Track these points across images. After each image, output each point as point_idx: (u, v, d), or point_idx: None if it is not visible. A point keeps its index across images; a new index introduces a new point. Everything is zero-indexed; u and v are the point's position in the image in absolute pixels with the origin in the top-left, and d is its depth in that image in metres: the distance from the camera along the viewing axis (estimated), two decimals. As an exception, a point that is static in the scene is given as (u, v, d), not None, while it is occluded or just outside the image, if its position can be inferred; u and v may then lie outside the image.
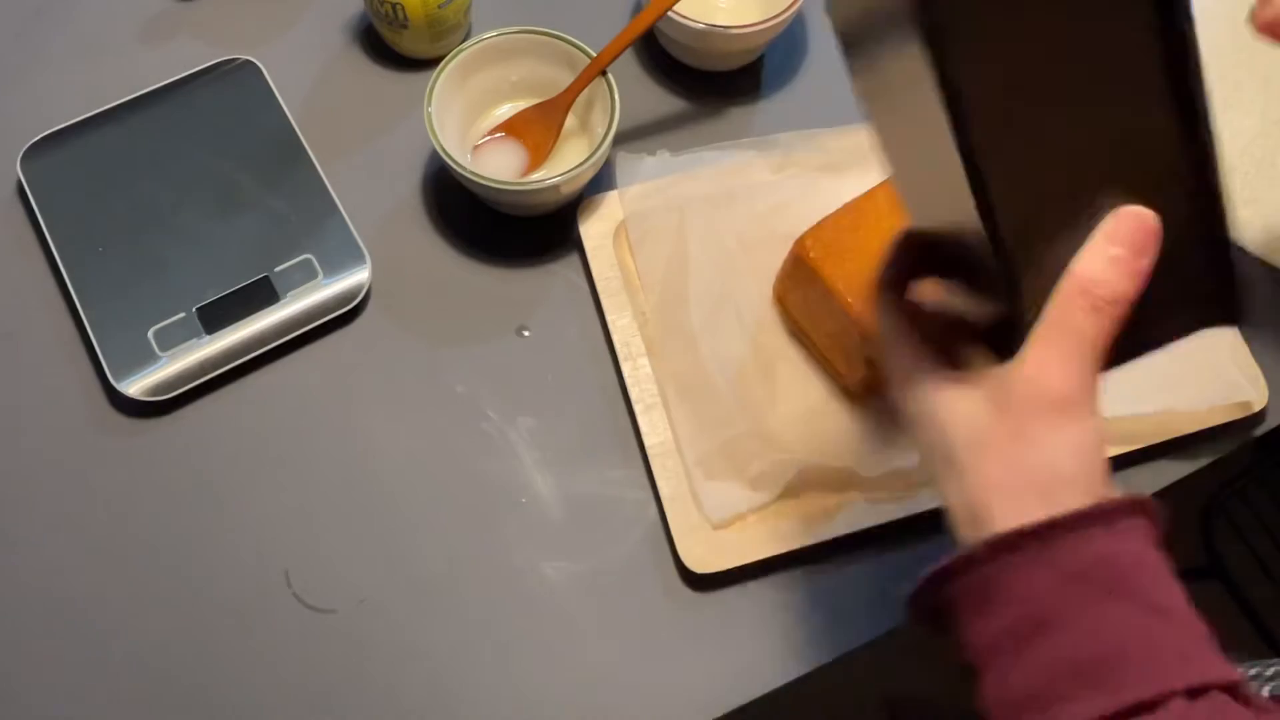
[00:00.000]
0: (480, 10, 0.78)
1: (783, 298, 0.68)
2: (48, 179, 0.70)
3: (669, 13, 0.70)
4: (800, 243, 0.63)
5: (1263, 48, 0.57)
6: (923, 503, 0.63)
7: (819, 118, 0.75)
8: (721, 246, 0.68)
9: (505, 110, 0.73)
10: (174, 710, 0.59)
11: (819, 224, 0.63)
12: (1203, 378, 0.67)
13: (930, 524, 0.64)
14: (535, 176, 0.70)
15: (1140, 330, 0.40)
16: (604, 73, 0.69)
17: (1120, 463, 0.66)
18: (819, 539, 0.62)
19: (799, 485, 0.63)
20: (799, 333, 0.67)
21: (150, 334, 0.66)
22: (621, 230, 0.70)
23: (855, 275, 0.60)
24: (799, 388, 0.66)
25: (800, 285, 0.64)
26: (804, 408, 0.66)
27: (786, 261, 0.65)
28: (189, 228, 0.69)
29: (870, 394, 0.65)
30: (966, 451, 0.42)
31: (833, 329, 0.63)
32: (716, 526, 0.62)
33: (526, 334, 0.69)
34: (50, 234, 0.68)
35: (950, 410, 0.42)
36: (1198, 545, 1.22)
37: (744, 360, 0.66)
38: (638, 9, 0.79)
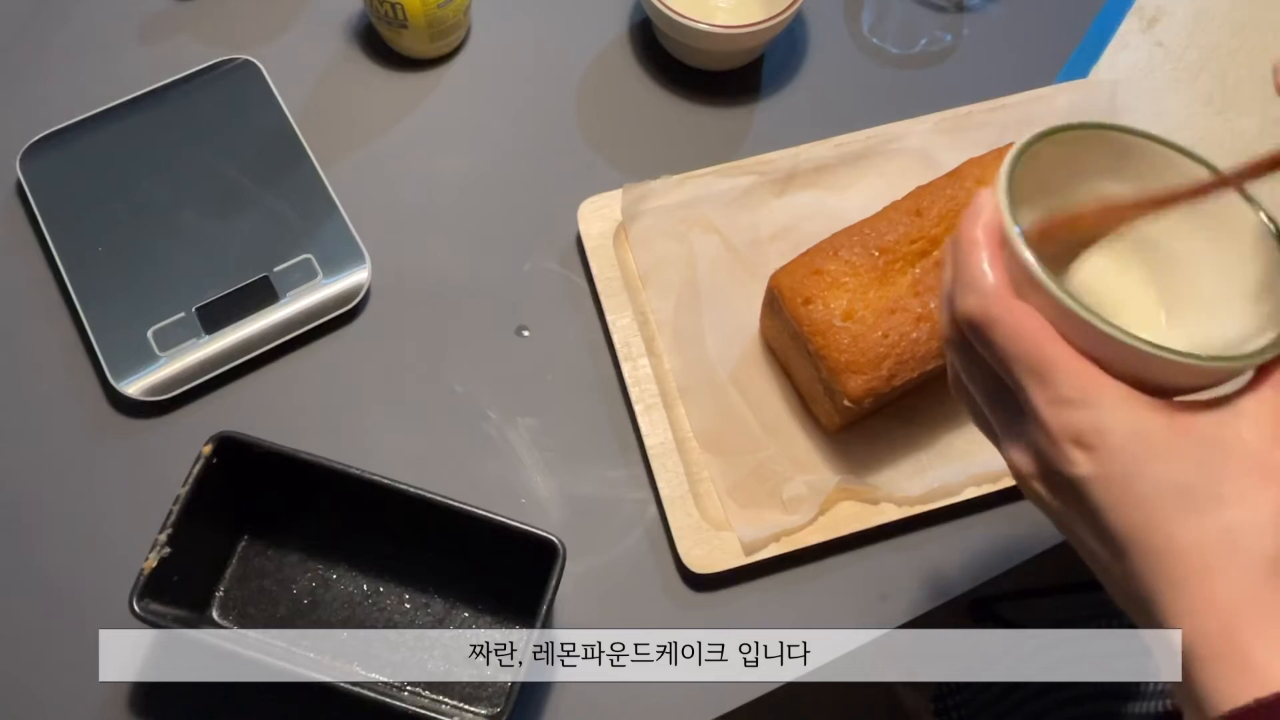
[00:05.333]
0: (480, 10, 0.78)
1: (766, 335, 0.67)
2: (47, 179, 0.70)
3: (669, 12, 0.70)
4: (774, 279, 0.62)
5: (1262, 47, 0.57)
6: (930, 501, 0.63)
7: (819, 118, 0.75)
8: (732, 276, 0.68)
9: None
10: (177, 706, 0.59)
11: (793, 261, 0.62)
12: None
13: (930, 524, 0.64)
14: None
15: None
16: None
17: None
18: (820, 539, 0.62)
19: (834, 500, 0.63)
20: (784, 368, 0.67)
21: (150, 334, 0.66)
22: (621, 230, 0.70)
23: (822, 314, 0.59)
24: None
25: (776, 322, 0.64)
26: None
27: (765, 296, 0.64)
28: (189, 228, 0.69)
29: (843, 428, 0.64)
30: (1179, 543, 0.33)
31: (809, 370, 0.62)
32: (749, 551, 0.61)
33: (526, 334, 0.69)
34: (50, 234, 0.68)
35: (1149, 471, 0.34)
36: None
37: (767, 387, 0.66)
38: (637, 9, 0.79)
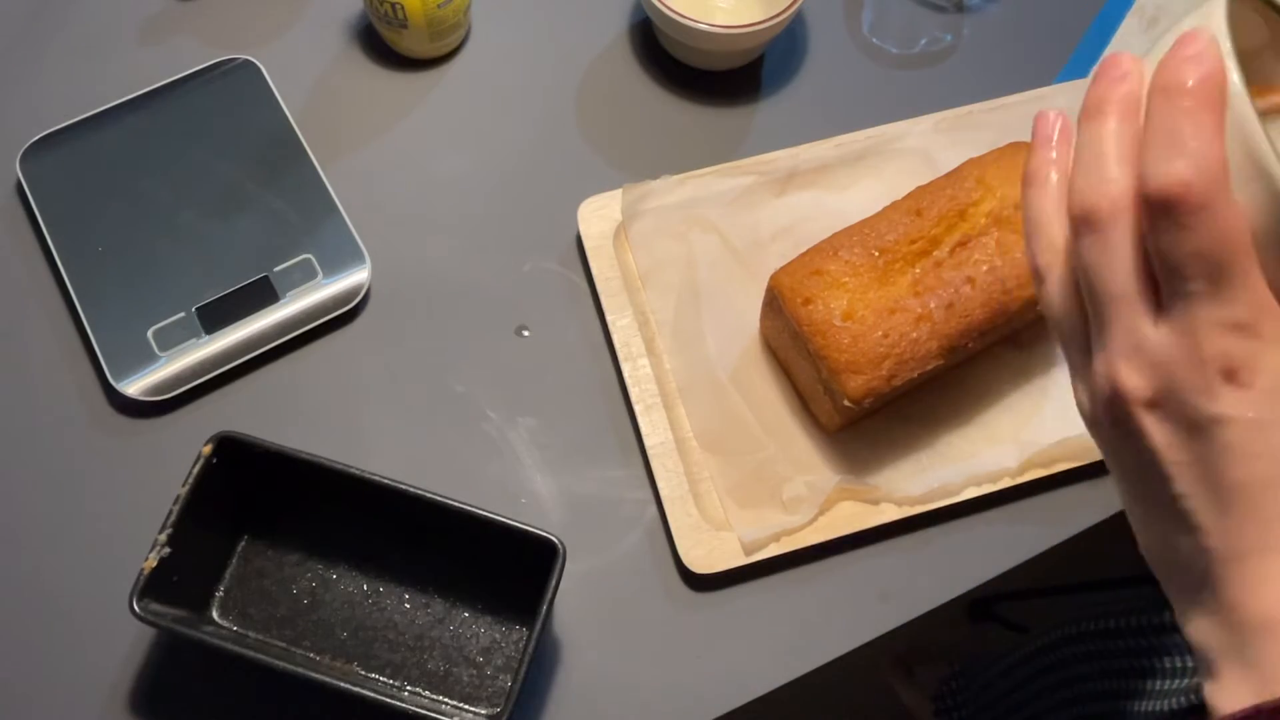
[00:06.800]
0: (480, 10, 0.78)
1: (766, 335, 0.67)
2: (47, 179, 0.70)
3: (669, 12, 0.70)
4: (774, 279, 0.62)
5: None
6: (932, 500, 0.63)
7: (819, 118, 0.75)
8: (732, 276, 0.68)
9: None
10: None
11: (793, 261, 0.62)
12: None
13: (930, 524, 0.64)
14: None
15: None
16: None
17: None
18: (820, 539, 0.62)
19: (834, 500, 0.63)
20: (784, 368, 0.67)
21: (150, 334, 0.66)
22: (621, 230, 0.70)
23: (822, 314, 0.59)
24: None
25: (776, 322, 0.64)
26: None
27: (765, 296, 0.64)
28: (189, 228, 0.69)
29: (843, 428, 0.64)
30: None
31: (809, 370, 0.62)
32: (749, 551, 0.61)
33: (526, 334, 0.69)
34: (50, 234, 0.68)
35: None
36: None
37: (767, 387, 0.66)
38: (637, 9, 0.79)
